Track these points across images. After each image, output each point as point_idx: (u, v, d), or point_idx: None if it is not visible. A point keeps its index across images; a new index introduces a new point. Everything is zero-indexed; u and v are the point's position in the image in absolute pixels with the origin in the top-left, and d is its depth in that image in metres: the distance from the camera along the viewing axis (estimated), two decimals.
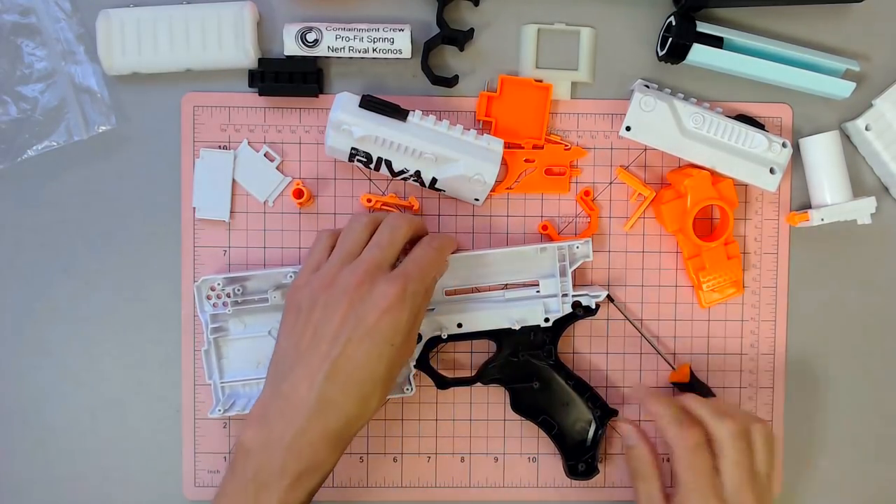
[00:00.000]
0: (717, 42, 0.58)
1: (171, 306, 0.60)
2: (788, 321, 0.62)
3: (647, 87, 0.60)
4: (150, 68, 0.59)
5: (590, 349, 0.62)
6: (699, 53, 0.58)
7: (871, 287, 0.63)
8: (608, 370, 0.62)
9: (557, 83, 0.60)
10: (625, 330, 0.62)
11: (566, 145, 0.61)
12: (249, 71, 0.59)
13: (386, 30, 0.58)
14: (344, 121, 0.55)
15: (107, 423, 0.61)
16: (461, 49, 0.60)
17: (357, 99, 0.56)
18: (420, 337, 0.58)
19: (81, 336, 0.61)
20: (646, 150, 0.61)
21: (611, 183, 0.61)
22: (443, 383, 0.59)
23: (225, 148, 0.60)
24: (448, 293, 0.59)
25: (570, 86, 0.61)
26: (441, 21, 0.58)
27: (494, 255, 0.59)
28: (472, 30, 0.59)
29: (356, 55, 0.58)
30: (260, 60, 0.59)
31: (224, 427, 0.61)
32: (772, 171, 0.59)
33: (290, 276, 0.57)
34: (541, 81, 0.60)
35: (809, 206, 0.61)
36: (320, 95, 0.60)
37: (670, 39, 0.58)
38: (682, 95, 0.59)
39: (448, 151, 0.56)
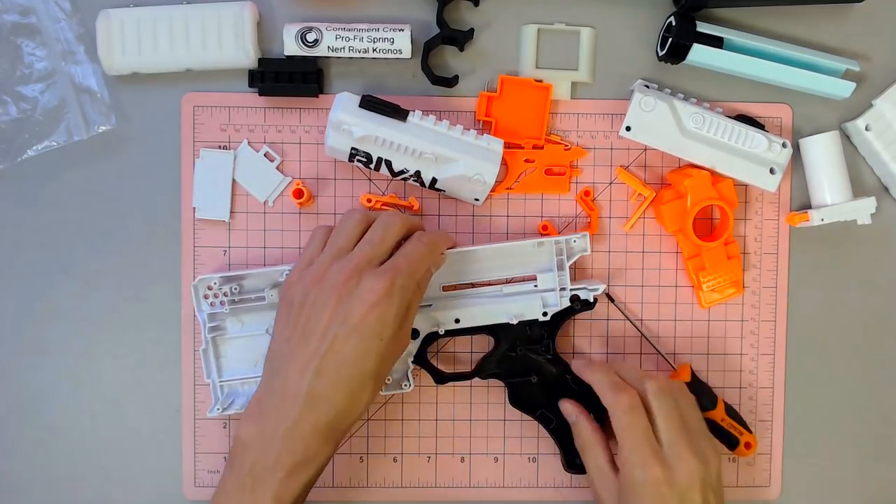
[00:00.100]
0: (717, 42, 0.58)
1: (171, 306, 0.60)
2: (788, 321, 0.62)
3: (647, 87, 0.60)
4: (150, 68, 0.59)
5: (590, 349, 0.62)
6: (699, 53, 0.58)
7: (871, 287, 0.63)
8: None
9: (557, 83, 0.60)
10: (625, 330, 0.62)
11: (566, 145, 0.61)
12: (249, 71, 0.59)
13: (386, 30, 0.58)
14: (344, 121, 0.55)
15: (107, 423, 0.61)
16: (461, 49, 0.60)
17: (357, 99, 0.56)
18: (417, 333, 0.58)
19: (81, 336, 0.61)
20: (646, 150, 0.61)
21: (611, 183, 0.61)
22: (441, 378, 0.59)
23: (225, 148, 0.60)
24: (445, 289, 0.59)
25: (570, 86, 0.61)
26: (441, 21, 0.58)
27: (491, 250, 0.59)
28: (472, 30, 0.59)
29: (356, 55, 0.58)
30: (260, 60, 0.59)
31: (224, 427, 0.61)
32: (772, 171, 0.59)
33: (286, 275, 0.57)
34: (541, 81, 0.60)
35: (809, 206, 0.61)
36: (320, 95, 0.60)
37: (670, 39, 0.58)
38: (682, 95, 0.59)
39: (448, 151, 0.56)
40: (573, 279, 0.60)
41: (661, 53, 0.60)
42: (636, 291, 0.62)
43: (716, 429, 0.59)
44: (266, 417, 0.50)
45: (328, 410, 0.50)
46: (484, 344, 0.61)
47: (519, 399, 0.59)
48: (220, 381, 0.59)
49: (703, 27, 0.58)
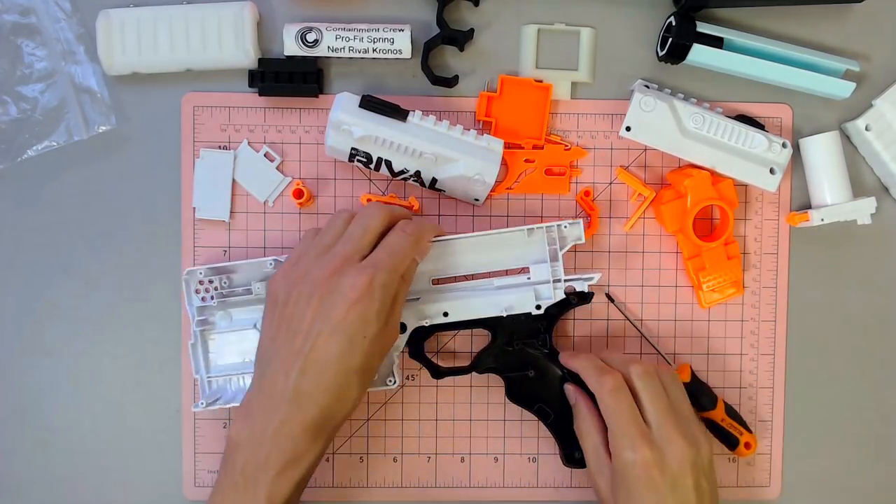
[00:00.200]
0: (717, 42, 0.58)
1: (171, 306, 0.60)
2: (788, 321, 0.62)
3: (647, 87, 0.60)
4: (150, 68, 0.59)
5: (590, 349, 0.62)
6: (699, 53, 0.58)
7: (871, 287, 0.63)
8: None
9: (557, 83, 0.60)
10: (625, 330, 0.62)
11: (566, 145, 0.61)
12: (249, 71, 0.59)
13: (386, 30, 0.58)
14: (344, 121, 0.55)
15: (107, 423, 0.61)
16: (461, 49, 0.60)
17: (357, 99, 0.56)
18: (405, 327, 0.57)
19: (81, 336, 0.61)
20: (646, 150, 0.61)
21: (611, 183, 0.61)
22: (437, 373, 0.58)
23: (225, 148, 0.60)
24: (436, 282, 0.59)
25: (570, 86, 0.61)
26: (441, 21, 0.58)
27: (479, 239, 0.58)
28: (472, 30, 0.59)
29: (356, 55, 0.58)
30: (260, 60, 0.59)
31: (224, 427, 0.61)
32: (772, 171, 0.59)
33: (271, 265, 0.57)
34: (541, 81, 0.60)
35: (809, 206, 0.61)
36: (320, 95, 0.60)
37: (670, 39, 0.58)
38: (682, 95, 0.59)
39: (448, 151, 0.56)
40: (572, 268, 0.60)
41: (661, 53, 0.60)
42: (636, 291, 0.62)
43: (716, 429, 0.59)
44: (255, 417, 0.50)
45: (315, 409, 0.50)
46: (483, 341, 0.61)
47: (516, 393, 0.59)
48: (208, 377, 0.59)
49: (703, 27, 0.58)
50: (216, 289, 0.58)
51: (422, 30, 0.60)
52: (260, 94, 0.59)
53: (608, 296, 0.61)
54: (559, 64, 0.61)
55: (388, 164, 0.57)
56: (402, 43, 0.58)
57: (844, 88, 0.59)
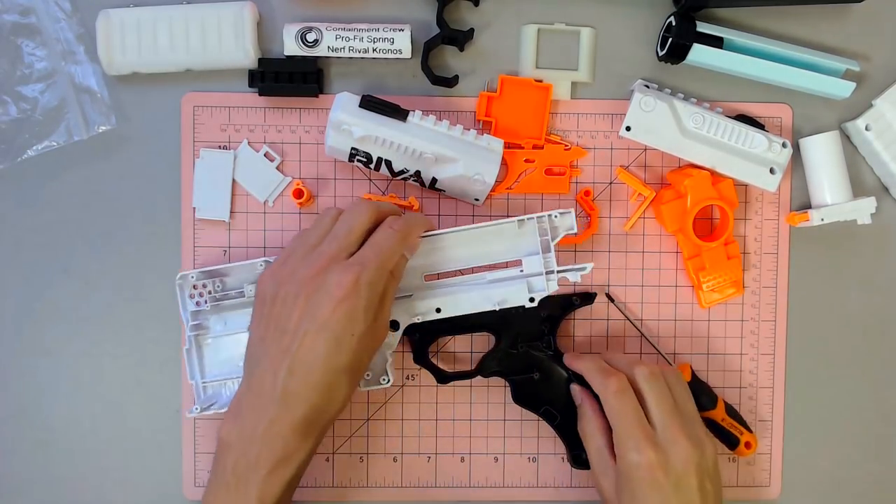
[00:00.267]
0: (717, 42, 0.58)
1: (171, 306, 0.60)
2: (788, 321, 0.62)
3: (647, 87, 0.60)
4: (150, 68, 0.59)
5: (590, 349, 0.62)
6: (699, 53, 0.58)
7: (871, 287, 0.63)
8: None
9: (557, 83, 0.60)
10: (625, 330, 0.62)
11: (566, 145, 0.61)
12: (249, 71, 0.59)
13: (386, 30, 0.58)
14: (344, 121, 0.55)
15: (107, 423, 0.61)
16: (461, 49, 0.60)
17: (357, 99, 0.56)
18: (397, 324, 0.57)
19: (81, 336, 0.61)
20: (646, 150, 0.61)
21: (611, 183, 0.61)
22: (443, 378, 0.58)
23: (225, 148, 0.60)
24: (429, 278, 0.58)
25: (570, 86, 0.61)
26: (441, 21, 0.58)
27: (470, 233, 0.57)
28: (472, 30, 0.59)
29: (356, 55, 0.58)
30: (260, 60, 0.59)
31: None
32: (772, 171, 0.59)
33: (262, 266, 0.57)
34: (541, 81, 0.60)
35: (809, 206, 0.61)
36: (320, 95, 0.60)
37: (670, 39, 0.58)
38: (682, 95, 0.59)
39: (448, 151, 0.56)
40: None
41: (661, 53, 0.60)
42: (636, 291, 0.62)
43: (716, 429, 0.59)
44: (245, 417, 0.50)
45: (304, 408, 0.50)
46: (484, 343, 0.61)
47: (522, 396, 0.59)
48: (203, 382, 0.59)
49: (703, 27, 0.58)
50: (210, 293, 0.58)
51: (422, 30, 0.60)
52: (260, 94, 0.59)
53: (608, 296, 0.61)
54: (559, 64, 0.61)
55: (388, 164, 0.57)
56: (402, 43, 0.58)
57: (844, 88, 0.59)
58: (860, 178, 0.62)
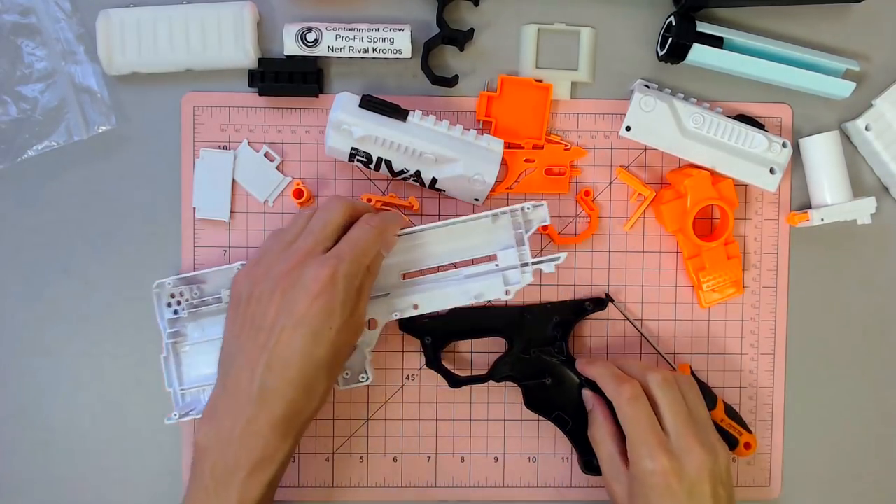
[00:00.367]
0: (717, 42, 0.58)
1: None
2: (788, 321, 0.62)
3: (647, 87, 0.60)
4: (150, 68, 0.59)
5: (590, 349, 0.62)
6: (699, 53, 0.58)
7: (871, 287, 0.63)
8: None
9: (557, 83, 0.60)
10: (625, 330, 0.62)
11: (566, 145, 0.61)
12: (249, 71, 0.59)
13: (386, 30, 0.58)
14: (344, 121, 0.55)
15: (107, 423, 0.61)
16: (461, 49, 0.60)
17: (357, 99, 0.56)
18: (377, 323, 0.57)
19: (81, 336, 0.61)
20: (646, 150, 0.61)
21: (611, 183, 0.61)
22: (455, 382, 0.58)
23: (225, 148, 0.60)
24: (407, 276, 0.58)
25: (570, 86, 0.61)
26: (441, 21, 0.58)
27: (446, 229, 0.57)
28: (472, 30, 0.59)
29: (356, 55, 0.58)
30: (260, 60, 0.59)
31: None
32: (772, 171, 0.59)
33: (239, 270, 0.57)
34: (541, 81, 0.60)
35: (809, 206, 0.61)
36: (320, 95, 0.60)
37: (670, 39, 0.58)
38: (682, 95, 0.59)
39: (448, 151, 0.56)
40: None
41: (661, 53, 0.60)
42: (636, 291, 0.62)
43: (716, 429, 0.59)
44: (221, 418, 0.50)
45: (282, 405, 0.49)
46: (498, 346, 0.61)
47: (534, 401, 0.58)
48: (181, 389, 0.58)
49: (703, 27, 0.58)
50: (187, 300, 0.58)
51: (422, 30, 0.60)
52: (260, 94, 0.59)
53: (608, 296, 0.61)
54: (559, 64, 0.61)
55: (388, 164, 0.57)
56: (402, 43, 0.58)
57: (844, 88, 0.59)
58: (860, 178, 0.62)
